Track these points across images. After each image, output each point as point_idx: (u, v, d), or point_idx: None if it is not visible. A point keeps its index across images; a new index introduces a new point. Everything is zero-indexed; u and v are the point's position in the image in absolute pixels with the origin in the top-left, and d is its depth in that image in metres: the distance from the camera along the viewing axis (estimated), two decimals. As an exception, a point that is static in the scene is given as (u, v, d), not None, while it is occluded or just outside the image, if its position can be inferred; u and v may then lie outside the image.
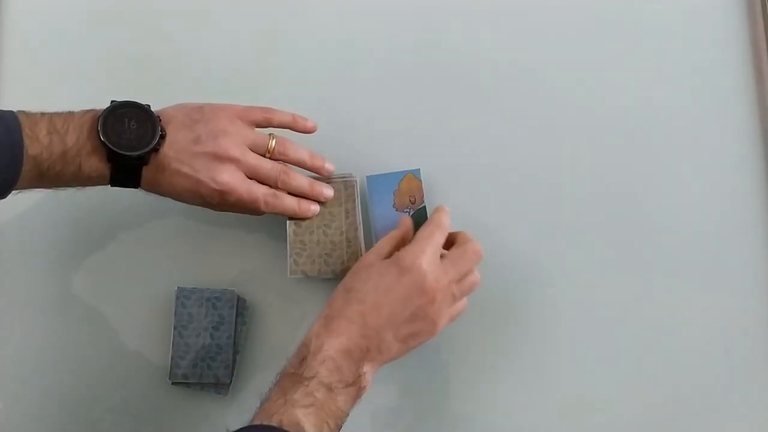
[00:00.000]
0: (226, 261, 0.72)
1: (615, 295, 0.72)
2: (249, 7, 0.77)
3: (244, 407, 0.68)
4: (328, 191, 0.68)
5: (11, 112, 0.59)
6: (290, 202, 0.66)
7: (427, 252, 0.59)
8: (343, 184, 0.69)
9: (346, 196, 0.69)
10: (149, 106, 0.62)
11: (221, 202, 0.63)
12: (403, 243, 0.63)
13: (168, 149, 0.61)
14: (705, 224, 0.73)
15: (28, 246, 0.72)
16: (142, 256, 0.72)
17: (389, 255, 0.62)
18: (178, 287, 0.69)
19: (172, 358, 0.68)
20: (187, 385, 0.68)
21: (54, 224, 0.72)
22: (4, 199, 0.71)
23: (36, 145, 0.58)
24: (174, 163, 0.61)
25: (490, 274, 0.68)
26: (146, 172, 0.61)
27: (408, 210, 0.70)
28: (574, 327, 0.71)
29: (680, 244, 0.73)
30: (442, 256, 0.61)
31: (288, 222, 0.68)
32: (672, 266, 0.72)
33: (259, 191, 0.63)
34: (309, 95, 0.75)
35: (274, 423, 0.52)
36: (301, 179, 0.66)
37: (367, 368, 0.58)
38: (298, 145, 0.66)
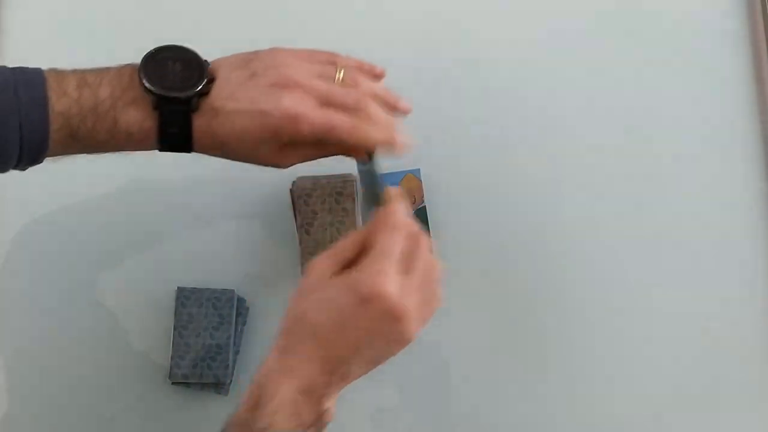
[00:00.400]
0: (226, 261, 0.72)
1: (615, 294, 0.72)
2: (249, 6, 0.77)
3: (244, 407, 0.68)
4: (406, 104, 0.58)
5: (37, 69, 0.52)
6: (378, 130, 0.53)
7: (386, 271, 0.48)
8: (343, 184, 0.69)
9: (346, 195, 0.69)
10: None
11: (293, 134, 0.52)
12: (361, 242, 0.51)
13: (220, 90, 0.52)
14: (705, 224, 0.73)
15: (28, 246, 0.72)
16: (143, 256, 0.72)
17: (351, 261, 0.50)
18: (178, 287, 0.69)
19: (172, 358, 0.68)
20: (187, 385, 0.68)
21: (54, 225, 0.72)
22: (7, 198, 0.72)
23: (64, 99, 0.51)
24: (229, 102, 0.51)
25: (491, 273, 0.68)
26: (199, 122, 0.52)
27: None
28: (574, 326, 0.71)
29: (680, 244, 0.73)
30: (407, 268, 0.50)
31: (298, 222, 0.67)
32: (672, 266, 0.72)
33: (338, 118, 0.52)
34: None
35: None
36: (378, 105, 0.55)
37: (329, 402, 0.49)
38: (367, 79, 0.56)
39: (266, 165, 0.55)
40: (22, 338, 0.71)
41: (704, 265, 0.72)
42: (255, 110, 0.51)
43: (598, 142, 0.74)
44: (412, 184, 0.71)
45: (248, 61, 0.53)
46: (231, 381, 0.68)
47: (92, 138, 0.52)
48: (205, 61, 0.53)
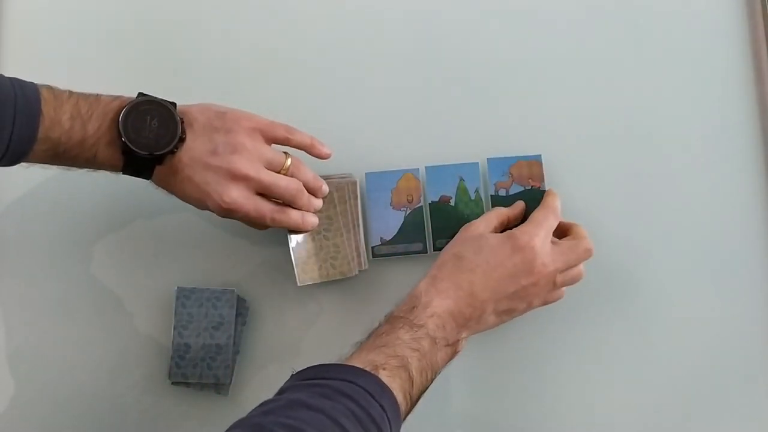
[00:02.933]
0: (226, 261, 0.72)
1: (614, 293, 0.72)
2: (251, 7, 0.77)
3: (244, 407, 0.67)
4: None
5: (33, 86, 0.59)
6: (295, 216, 0.65)
7: (541, 235, 0.62)
8: (344, 183, 0.70)
9: (346, 195, 0.69)
10: (175, 105, 0.62)
11: (226, 216, 0.63)
12: (507, 222, 0.67)
13: (184, 155, 0.60)
14: (705, 223, 0.73)
15: (28, 246, 0.72)
16: (142, 257, 0.72)
17: (496, 229, 0.65)
18: (178, 287, 0.69)
19: (172, 357, 0.68)
20: (187, 385, 0.68)
21: (54, 224, 0.72)
22: (7, 197, 0.72)
23: (57, 128, 0.58)
24: (187, 169, 0.60)
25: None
26: (159, 171, 0.61)
27: (405, 209, 0.71)
28: (575, 325, 0.71)
29: (680, 243, 0.73)
30: (552, 242, 0.63)
31: (288, 234, 0.68)
32: (671, 265, 0.72)
33: (266, 207, 0.63)
34: (310, 94, 0.75)
35: (378, 359, 0.54)
36: (310, 195, 0.66)
37: (464, 334, 0.61)
38: (306, 167, 0.66)
39: None
40: (22, 338, 0.71)
41: (703, 263, 0.72)
42: (204, 189, 0.61)
43: (597, 142, 0.74)
44: (410, 183, 0.71)
45: (214, 131, 0.62)
46: (231, 381, 0.68)
47: (71, 161, 0.60)
48: (181, 119, 0.61)
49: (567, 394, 0.70)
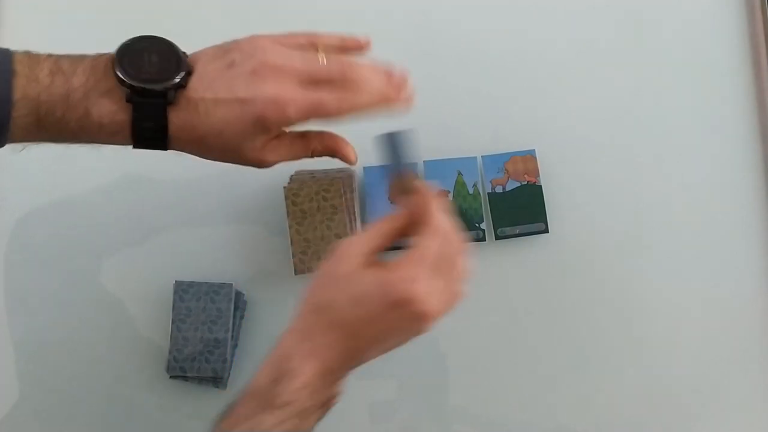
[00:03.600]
0: (224, 255, 0.72)
1: (614, 292, 0.72)
2: (249, 2, 0.77)
3: (242, 401, 0.68)
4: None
5: (6, 50, 0.49)
6: (369, 93, 0.51)
7: (420, 278, 0.48)
8: (341, 177, 0.70)
9: (342, 189, 0.69)
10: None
11: (280, 120, 0.49)
12: (392, 239, 0.52)
13: (198, 82, 0.49)
14: (704, 222, 0.73)
15: (26, 240, 0.72)
16: (141, 250, 0.72)
17: (372, 252, 0.50)
18: (176, 281, 0.69)
19: (170, 351, 0.68)
20: (185, 378, 0.68)
21: (52, 219, 0.72)
22: (6, 193, 0.72)
23: (33, 85, 0.48)
24: (208, 93, 0.49)
25: (488, 268, 0.68)
26: (176, 117, 0.49)
27: (404, 202, 0.70)
28: (572, 323, 0.71)
29: (679, 242, 0.73)
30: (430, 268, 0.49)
31: (289, 221, 0.67)
32: (667, 261, 0.72)
33: (322, 94, 0.50)
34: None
35: None
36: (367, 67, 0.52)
37: (341, 385, 0.51)
38: (353, 53, 0.55)
39: (247, 163, 0.53)
40: (21, 332, 0.71)
41: (703, 262, 0.72)
42: (235, 100, 0.48)
43: (597, 141, 0.74)
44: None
45: (226, 51, 0.51)
46: (229, 375, 0.69)
47: (61, 127, 0.49)
48: (184, 53, 0.51)
49: (563, 391, 0.71)
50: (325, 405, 0.50)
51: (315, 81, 0.50)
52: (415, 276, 0.48)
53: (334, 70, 0.51)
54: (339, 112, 0.51)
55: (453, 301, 0.50)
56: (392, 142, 0.52)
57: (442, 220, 0.50)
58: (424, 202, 0.51)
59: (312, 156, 0.56)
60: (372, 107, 0.52)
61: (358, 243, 0.50)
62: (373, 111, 0.52)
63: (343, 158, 0.56)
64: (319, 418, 0.50)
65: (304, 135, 0.54)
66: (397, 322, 0.48)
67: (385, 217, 0.52)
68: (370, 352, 0.50)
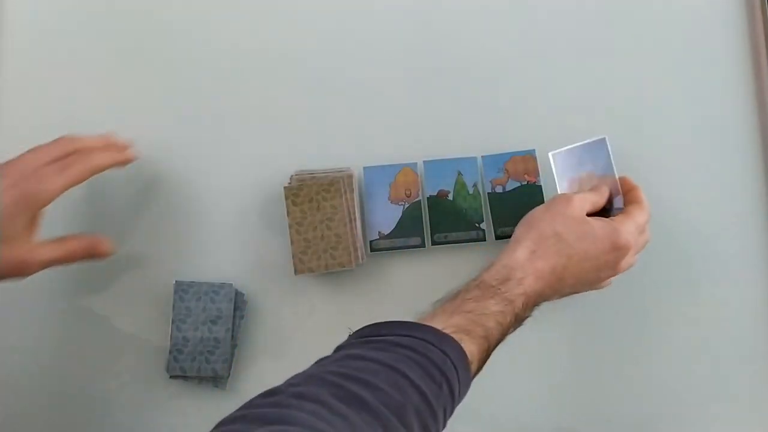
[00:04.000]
0: (224, 254, 0.72)
1: (614, 291, 0.72)
2: (249, 2, 0.77)
3: (242, 401, 0.68)
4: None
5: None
6: (103, 155, 0.64)
7: (634, 232, 0.63)
8: (340, 177, 0.70)
9: (342, 189, 0.69)
10: None
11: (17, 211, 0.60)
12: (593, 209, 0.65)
13: None
14: (704, 222, 0.73)
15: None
16: (141, 250, 0.72)
17: (588, 213, 0.64)
18: (176, 280, 0.69)
19: (170, 351, 0.68)
20: (185, 378, 0.69)
21: (52, 218, 0.72)
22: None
23: None
24: None
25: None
26: None
27: (403, 203, 0.71)
28: (572, 321, 0.71)
29: (679, 242, 0.73)
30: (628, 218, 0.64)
31: (289, 221, 0.68)
32: (671, 264, 0.72)
33: (50, 171, 0.61)
34: (308, 89, 0.75)
35: (464, 324, 0.54)
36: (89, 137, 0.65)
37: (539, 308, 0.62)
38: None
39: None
40: (21, 332, 0.71)
41: (703, 262, 0.72)
42: None
43: (594, 136, 0.74)
44: (408, 177, 0.71)
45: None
46: (229, 375, 0.69)
47: None
48: None
49: (564, 391, 0.71)
50: (524, 320, 0.60)
51: (43, 162, 0.60)
52: (633, 231, 0.63)
53: (60, 149, 0.62)
54: (73, 181, 0.61)
55: (635, 260, 0.65)
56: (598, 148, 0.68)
57: (646, 201, 0.66)
58: (635, 186, 0.67)
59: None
60: (110, 165, 0.64)
61: (583, 199, 0.64)
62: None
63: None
64: (513, 330, 0.59)
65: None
66: (611, 261, 0.62)
67: (595, 188, 0.67)
68: (576, 286, 0.63)
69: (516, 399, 0.70)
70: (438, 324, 0.53)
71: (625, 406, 0.70)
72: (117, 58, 0.76)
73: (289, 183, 0.69)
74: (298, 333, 0.71)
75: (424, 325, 0.52)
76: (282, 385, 0.47)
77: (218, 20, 0.77)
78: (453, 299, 0.57)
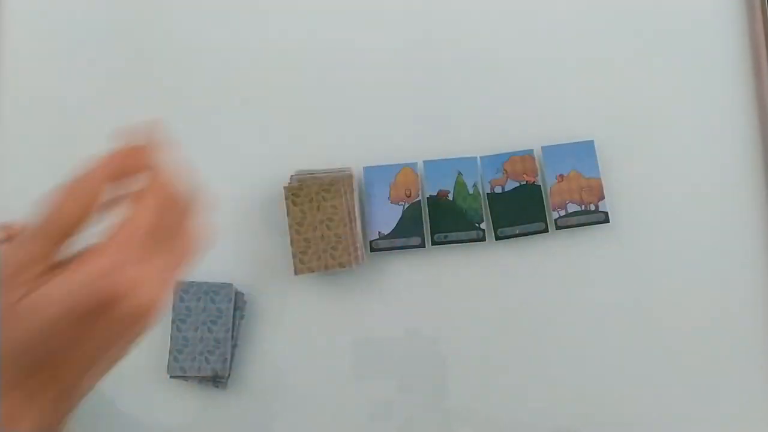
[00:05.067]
0: (224, 255, 0.72)
1: (613, 290, 0.72)
2: (250, 4, 0.77)
3: (242, 400, 0.68)
4: None
5: None
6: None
7: (124, 260, 0.36)
8: (340, 177, 0.70)
9: (342, 189, 0.69)
10: None
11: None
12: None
13: None
14: (703, 222, 0.73)
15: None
16: (140, 250, 0.72)
17: (44, 255, 0.36)
18: (176, 281, 0.69)
19: (170, 351, 0.68)
20: (186, 378, 0.69)
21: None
22: (6, 191, 0.72)
23: None
24: None
25: (488, 268, 0.68)
26: None
27: (403, 203, 0.71)
28: (571, 321, 0.71)
29: (679, 241, 0.73)
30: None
31: (289, 221, 0.68)
32: (670, 263, 0.72)
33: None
34: (309, 89, 0.75)
35: None
36: None
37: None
38: None
39: None
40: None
41: (702, 262, 0.72)
42: None
43: (597, 140, 0.74)
44: (408, 177, 0.71)
45: None
46: (229, 375, 0.69)
47: None
48: None
49: (563, 391, 0.71)
50: None
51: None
52: (117, 262, 0.35)
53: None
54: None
55: (173, 279, 0.38)
56: None
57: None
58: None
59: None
60: None
61: (14, 254, 0.35)
62: None
63: None
64: None
65: None
66: (113, 328, 0.35)
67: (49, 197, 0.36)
68: (90, 378, 0.36)
69: (516, 399, 0.70)
70: None
71: (624, 406, 0.70)
72: (117, 59, 0.76)
73: (289, 183, 0.69)
74: (298, 333, 0.71)
75: None
76: None
77: (218, 20, 0.77)
78: None
